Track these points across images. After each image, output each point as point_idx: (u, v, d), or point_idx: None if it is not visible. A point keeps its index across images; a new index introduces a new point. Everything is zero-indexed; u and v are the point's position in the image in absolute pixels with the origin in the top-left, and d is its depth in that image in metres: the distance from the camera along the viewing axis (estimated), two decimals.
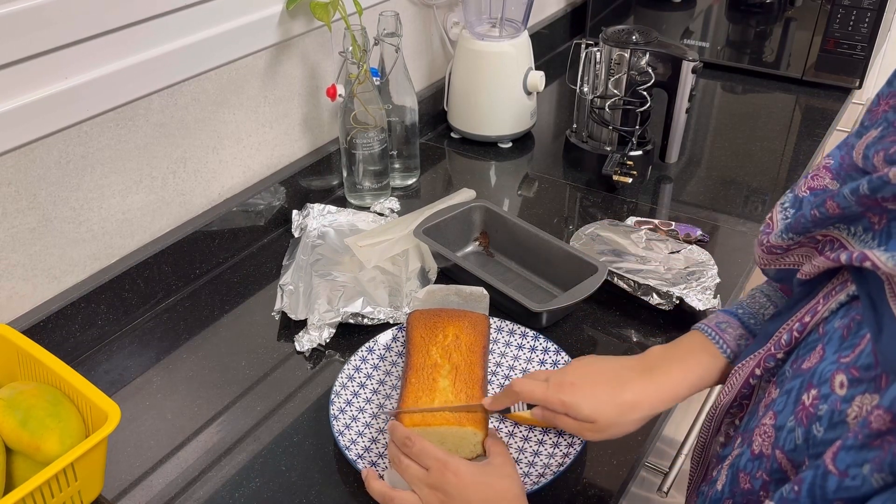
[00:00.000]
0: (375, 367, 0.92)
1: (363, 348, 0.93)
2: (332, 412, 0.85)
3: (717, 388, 0.72)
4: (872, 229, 0.52)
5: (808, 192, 0.63)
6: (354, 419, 0.85)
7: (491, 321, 0.95)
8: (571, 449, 0.81)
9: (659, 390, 0.72)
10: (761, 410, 0.60)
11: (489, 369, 0.93)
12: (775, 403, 0.56)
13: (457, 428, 0.77)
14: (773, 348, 0.62)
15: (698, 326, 0.76)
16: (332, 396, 0.87)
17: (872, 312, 0.50)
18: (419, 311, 0.92)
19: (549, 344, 0.94)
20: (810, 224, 0.57)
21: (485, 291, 0.96)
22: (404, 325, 0.96)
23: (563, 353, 0.93)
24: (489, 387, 0.89)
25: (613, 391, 0.71)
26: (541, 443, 0.83)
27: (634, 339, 0.99)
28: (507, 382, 0.91)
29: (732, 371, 0.67)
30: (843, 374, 0.49)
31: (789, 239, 0.61)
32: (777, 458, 0.53)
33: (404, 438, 0.73)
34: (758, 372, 0.63)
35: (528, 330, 0.96)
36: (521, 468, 0.81)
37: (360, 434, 0.84)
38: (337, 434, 0.83)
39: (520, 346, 0.95)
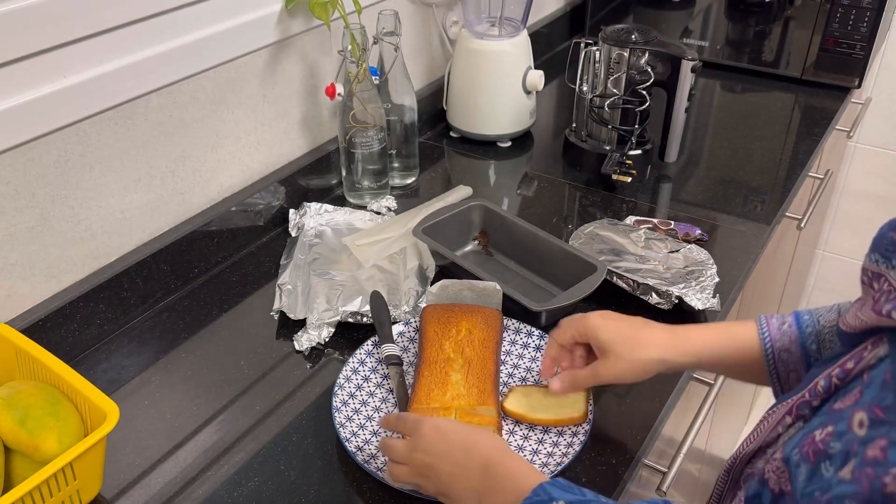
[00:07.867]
0: (380, 362, 0.92)
1: (368, 342, 0.93)
2: (334, 404, 0.86)
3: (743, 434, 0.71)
4: None
5: None
6: (356, 412, 0.86)
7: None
8: (571, 448, 0.81)
9: (674, 338, 0.76)
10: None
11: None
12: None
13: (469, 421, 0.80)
14: (808, 395, 0.58)
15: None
16: (336, 388, 0.87)
17: None
18: (433, 306, 0.93)
19: None
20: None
21: (497, 287, 0.96)
22: (406, 321, 0.97)
23: None
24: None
25: (631, 328, 0.77)
26: (540, 441, 0.83)
27: None
28: (510, 380, 0.91)
29: (762, 417, 0.63)
30: (863, 412, 0.46)
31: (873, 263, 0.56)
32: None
33: (384, 423, 0.77)
34: (788, 420, 0.59)
35: (533, 329, 0.96)
36: None
37: (362, 427, 0.84)
38: (338, 426, 0.83)
39: (525, 345, 0.95)
